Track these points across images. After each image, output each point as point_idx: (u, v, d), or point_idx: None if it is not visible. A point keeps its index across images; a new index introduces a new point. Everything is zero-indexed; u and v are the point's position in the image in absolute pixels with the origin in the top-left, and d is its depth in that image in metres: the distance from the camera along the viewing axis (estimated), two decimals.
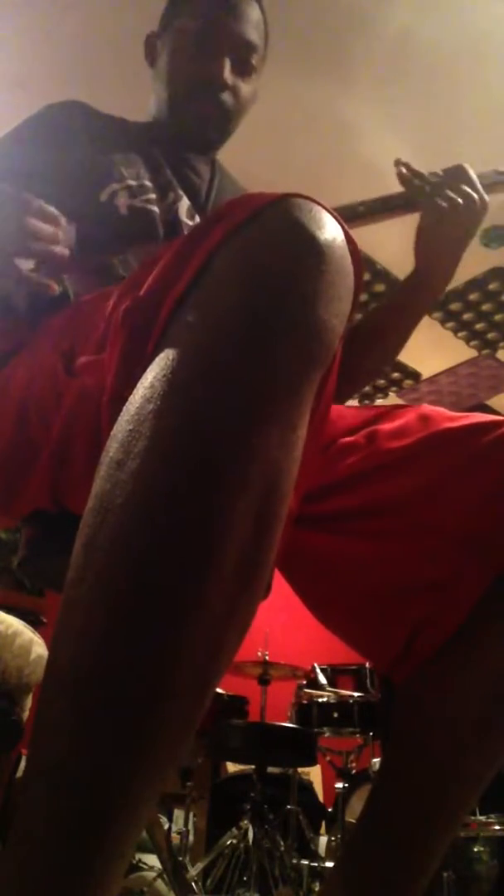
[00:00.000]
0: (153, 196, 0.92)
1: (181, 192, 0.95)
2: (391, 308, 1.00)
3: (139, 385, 0.44)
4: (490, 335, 3.65)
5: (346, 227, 0.50)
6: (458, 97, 2.50)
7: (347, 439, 0.74)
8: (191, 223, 0.93)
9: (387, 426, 0.73)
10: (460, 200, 0.88)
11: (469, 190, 0.89)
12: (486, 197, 0.91)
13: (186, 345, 0.44)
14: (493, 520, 0.66)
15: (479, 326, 3.59)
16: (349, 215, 0.91)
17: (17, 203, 0.70)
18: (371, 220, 0.94)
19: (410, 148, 2.68)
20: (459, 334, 3.65)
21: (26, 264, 0.70)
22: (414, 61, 2.40)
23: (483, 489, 0.66)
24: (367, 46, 2.36)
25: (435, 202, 0.89)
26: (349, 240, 0.50)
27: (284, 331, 0.43)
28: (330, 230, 0.48)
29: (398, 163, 0.92)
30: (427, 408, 0.75)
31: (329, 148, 2.72)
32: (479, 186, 0.91)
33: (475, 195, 0.89)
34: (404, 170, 0.92)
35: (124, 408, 0.44)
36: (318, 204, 0.49)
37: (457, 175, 0.91)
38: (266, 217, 0.48)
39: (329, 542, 0.72)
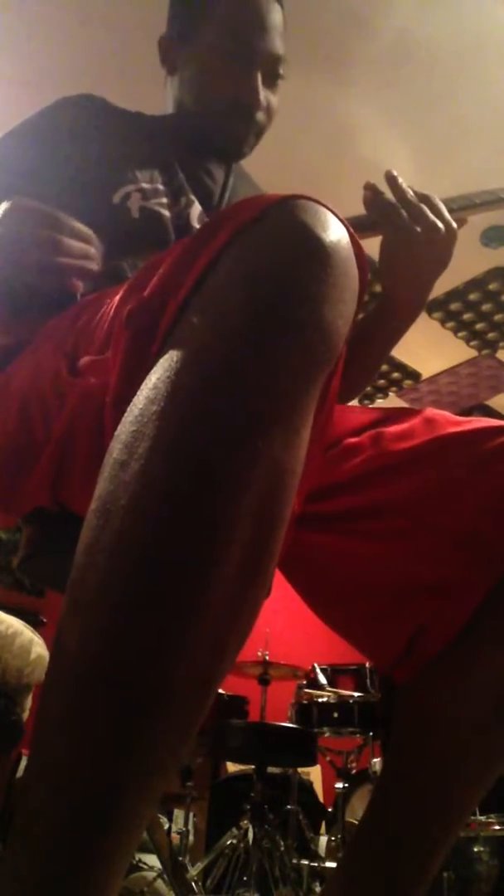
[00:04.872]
0: (165, 200, 0.91)
1: (193, 198, 0.95)
2: (357, 337, 0.93)
3: (143, 386, 0.44)
4: (490, 335, 3.65)
5: (351, 229, 0.50)
6: (458, 97, 2.50)
7: (352, 440, 0.74)
8: None
9: (392, 428, 0.73)
10: (418, 228, 0.85)
11: (433, 218, 0.86)
12: (453, 225, 0.88)
13: (191, 346, 0.44)
14: (496, 523, 0.66)
15: (479, 326, 3.59)
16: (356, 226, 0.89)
17: (49, 220, 0.74)
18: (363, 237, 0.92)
19: (410, 148, 2.68)
20: (459, 334, 3.65)
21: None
22: (414, 61, 2.40)
23: (487, 493, 0.66)
24: (366, 47, 2.36)
25: (393, 228, 0.86)
26: (354, 242, 0.50)
27: (289, 332, 0.43)
28: (335, 232, 0.48)
29: (367, 186, 0.89)
30: (432, 411, 0.75)
31: (329, 148, 2.72)
32: (445, 215, 0.87)
33: (439, 223, 0.86)
34: (370, 193, 0.88)
35: (128, 409, 0.44)
36: (324, 205, 0.49)
37: (424, 202, 0.87)
38: (271, 218, 0.48)
39: (332, 542, 0.72)
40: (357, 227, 0.91)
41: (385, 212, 0.86)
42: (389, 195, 0.87)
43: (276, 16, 1.00)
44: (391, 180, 0.88)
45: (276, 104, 1.03)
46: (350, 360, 0.93)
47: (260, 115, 1.00)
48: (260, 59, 0.98)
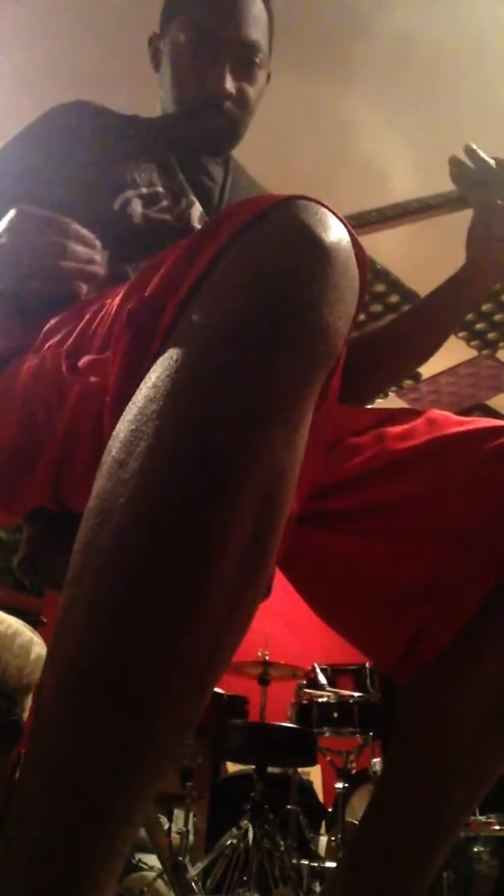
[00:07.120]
0: (166, 204, 0.91)
1: (193, 198, 0.94)
2: (431, 307, 0.96)
3: (142, 385, 0.44)
4: (490, 335, 3.65)
5: (351, 229, 0.50)
6: (458, 97, 2.50)
7: (354, 439, 0.74)
8: None
9: (394, 428, 0.74)
10: None
11: None
12: None
13: (190, 345, 0.44)
14: (497, 523, 0.66)
15: (479, 326, 3.59)
16: (360, 222, 0.90)
17: (56, 227, 0.75)
18: (381, 227, 0.93)
19: (410, 148, 2.69)
20: (459, 334, 3.65)
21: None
22: (414, 61, 2.40)
23: (488, 493, 0.66)
24: (367, 47, 2.36)
25: (485, 201, 0.90)
26: (354, 242, 0.50)
27: (288, 332, 0.43)
28: (335, 232, 0.48)
29: (452, 160, 0.92)
30: (434, 412, 0.75)
31: (329, 148, 2.72)
32: None
33: None
34: (458, 161, 0.93)
35: (127, 407, 0.44)
36: (324, 205, 0.49)
37: None
38: (271, 218, 0.48)
39: (333, 541, 0.72)
40: (443, 204, 0.94)
41: (476, 184, 0.90)
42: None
43: (249, 6, 0.97)
44: (471, 153, 0.91)
45: (256, 93, 1.00)
46: (408, 340, 0.97)
47: (229, 106, 0.97)
48: (225, 47, 0.95)
